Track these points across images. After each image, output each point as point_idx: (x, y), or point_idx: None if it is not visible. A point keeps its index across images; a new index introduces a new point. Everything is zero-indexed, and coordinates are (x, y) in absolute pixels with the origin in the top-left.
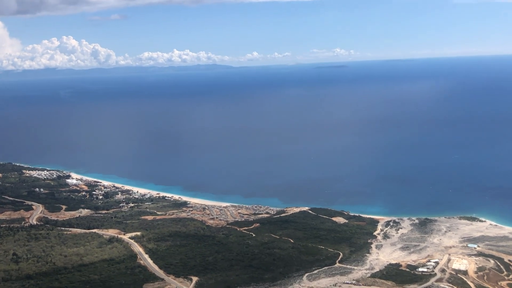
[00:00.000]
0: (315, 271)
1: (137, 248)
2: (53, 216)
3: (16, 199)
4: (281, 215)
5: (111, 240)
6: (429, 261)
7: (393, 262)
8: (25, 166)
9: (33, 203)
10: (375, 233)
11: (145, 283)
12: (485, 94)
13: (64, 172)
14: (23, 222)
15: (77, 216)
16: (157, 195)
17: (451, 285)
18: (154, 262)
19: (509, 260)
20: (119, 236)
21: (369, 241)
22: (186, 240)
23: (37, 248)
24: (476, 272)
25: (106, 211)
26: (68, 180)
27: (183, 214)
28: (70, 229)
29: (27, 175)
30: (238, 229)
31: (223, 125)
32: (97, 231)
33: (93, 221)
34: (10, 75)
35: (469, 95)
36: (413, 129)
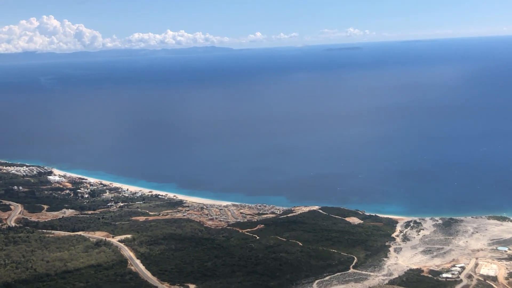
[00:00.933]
0: (327, 278)
1: (128, 252)
2: (33, 217)
3: None
4: (288, 215)
5: (99, 243)
6: (454, 266)
7: (414, 267)
8: (2, 161)
9: (11, 202)
10: (393, 235)
11: None
12: None
13: (45, 168)
14: (0, 224)
15: (61, 217)
16: (150, 194)
17: None
18: (146, 268)
19: None
20: (107, 239)
21: (386, 243)
22: (182, 244)
23: (16, 253)
24: (507, 278)
25: (92, 212)
26: (50, 177)
27: (179, 215)
28: (53, 231)
29: (4, 171)
30: (240, 231)
31: (223, 115)
32: (82, 234)
33: (78, 222)
34: None
35: (497, 80)
36: (435, 118)
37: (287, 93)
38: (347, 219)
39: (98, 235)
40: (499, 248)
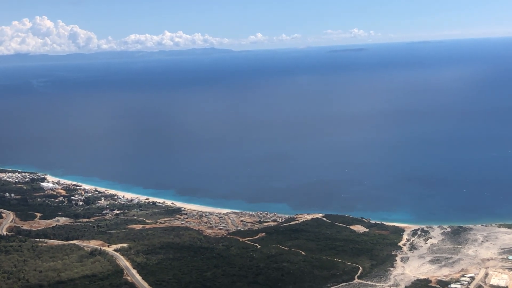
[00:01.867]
0: None
1: (124, 262)
2: (26, 226)
3: None
4: (291, 223)
5: (93, 253)
6: (463, 276)
7: (422, 277)
8: None
9: (2, 210)
10: (400, 244)
11: None
12: None
13: (38, 174)
14: None
15: (54, 225)
16: (146, 201)
17: None
18: (143, 278)
19: None
20: (103, 248)
21: (393, 253)
22: (180, 253)
23: (7, 263)
24: None
25: (87, 220)
26: (43, 184)
27: (177, 223)
28: (46, 240)
29: None
30: (241, 239)
31: (222, 119)
32: (77, 243)
33: (73, 231)
34: None
35: (507, 82)
36: (443, 122)
37: (289, 96)
38: (352, 227)
39: (93, 244)
40: (510, 257)
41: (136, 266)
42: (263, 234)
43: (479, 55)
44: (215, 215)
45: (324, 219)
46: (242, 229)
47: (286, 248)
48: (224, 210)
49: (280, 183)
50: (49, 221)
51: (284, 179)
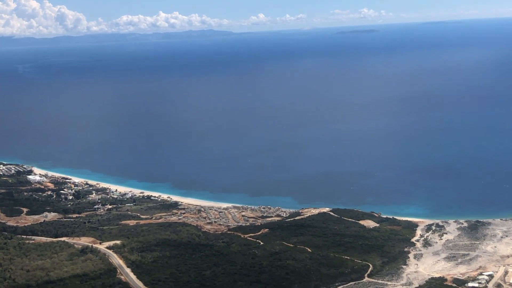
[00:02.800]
0: None
1: (117, 260)
2: (11, 222)
3: None
4: (296, 218)
5: (84, 250)
6: (481, 274)
7: (436, 275)
8: None
9: None
10: (413, 240)
11: None
12: None
13: (24, 166)
14: None
15: (42, 221)
16: (141, 195)
17: None
18: (138, 277)
19: None
20: (94, 245)
21: (406, 249)
22: (178, 250)
23: None
24: None
25: (77, 215)
26: (30, 177)
27: (174, 218)
28: (33, 237)
29: None
30: (242, 235)
31: (222, 107)
32: (66, 240)
33: (62, 227)
34: None
35: None
36: (460, 109)
37: (294, 81)
38: (362, 222)
39: (84, 241)
40: None
41: (130, 264)
42: (266, 230)
43: (500, 36)
44: (215, 210)
45: (331, 213)
46: (243, 224)
47: (291, 245)
48: (224, 205)
49: (285, 175)
50: (36, 216)
51: (289, 170)
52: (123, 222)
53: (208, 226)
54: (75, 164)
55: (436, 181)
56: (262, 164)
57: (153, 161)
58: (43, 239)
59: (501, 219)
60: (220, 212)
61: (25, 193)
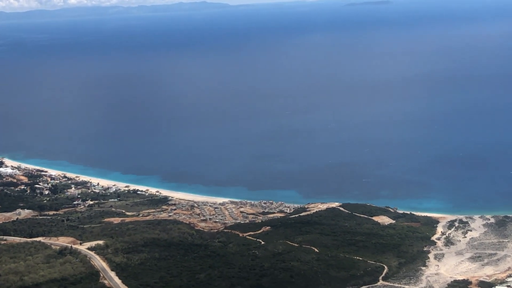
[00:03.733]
0: None
1: (100, 262)
2: None
3: None
4: (301, 214)
5: (63, 252)
6: (510, 275)
7: (460, 278)
8: None
9: None
10: (433, 238)
11: None
12: None
13: None
14: None
15: (14, 219)
16: (126, 189)
17: None
18: (123, 282)
19: None
20: (74, 246)
21: (425, 249)
22: (168, 251)
23: None
24: None
25: (54, 212)
26: (1, 169)
27: (163, 215)
28: (5, 237)
29: None
30: (241, 234)
31: (217, 89)
32: (43, 240)
33: (37, 225)
34: None
35: None
36: (487, 91)
37: (298, 60)
38: (375, 218)
39: (62, 241)
40: None
41: (114, 267)
42: (268, 227)
43: None
44: (210, 206)
45: (341, 209)
46: (242, 222)
47: (295, 245)
48: (221, 199)
49: (288, 166)
50: (8, 214)
51: (293, 160)
52: (106, 219)
53: (202, 224)
54: (52, 155)
55: (460, 172)
56: (262, 153)
57: (140, 150)
58: (16, 239)
59: None
60: (215, 208)
61: None
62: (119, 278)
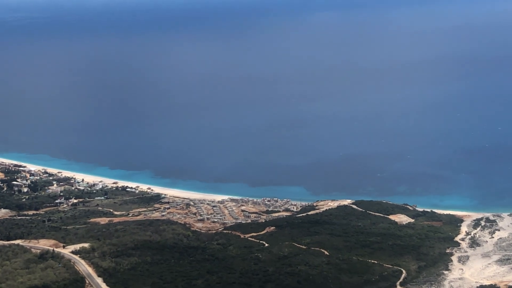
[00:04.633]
0: None
1: (85, 267)
2: None
3: None
4: (309, 212)
5: (44, 256)
6: None
7: (487, 283)
8: None
9: None
10: (457, 239)
11: None
12: None
13: None
14: None
15: None
16: (114, 185)
17: None
18: None
19: None
20: (56, 249)
21: (448, 251)
22: (161, 255)
23: None
24: None
25: (34, 212)
26: None
27: (156, 214)
28: None
29: None
30: (242, 235)
31: (214, 73)
32: (21, 243)
33: (15, 227)
34: None
35: None
36: None
37: (303, 41)
38: (392, 217)
39: (43, 244)
40: None
41: (102, 273)
42: (272, 228)
43: None
44: (207, 204)
45: (354, 207)
46: (243, 221)
47: (303, 247)
48: (219, 197)
49: (295, 160)
50: None
51: (300, 153)
52: (92, 220)
53: (199, 224)
54: (31, 148)
55: (486, 164)
56: (266, 145)
57: (130, 143)
58: None
59: None
60: (214, 206)
61: None
62: (107, 285)
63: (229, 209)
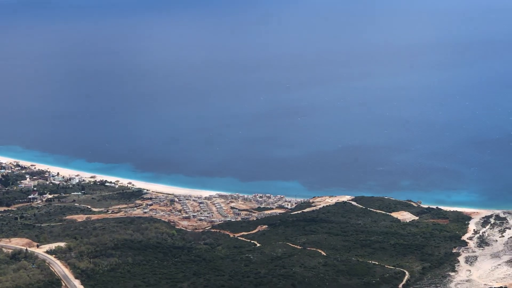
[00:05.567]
0: None
1: (61, 268)
2: None
3: None
4: (305, 210)
5: (16, 256)
6: None
7: (496, 285)
8: None
9: None
10: (464, 238)
11: None
12: None
13: None
14: None
15: None
16: (92, 180)
17: None
18: None
19: None
20: (30, 249)
21: (454, 250)
22: (144, 255)
23: None
24: None
25: (6, 208)
26: None
27: (137, 211)
28: None
29: None
30: (232, 235)
31: (202, 57)
32: None
33: None
34: None
35: None
36: None
37: (298, 23)
38: (394, 214)
39: (16, 243)
40: None
41: (79, 274)
42: (265, 226)
43: None
44: (193, 200)
45: (353, 203)
46: (233, 219)
47: (298, 247)
48: (207, 193)
49: (289, 151)
50: None
51: (294, 145)
52: (69, 217)
53: (185, 222)
54: (1, 139)
55: (496, 157)
56: (257, 136)
57: (109, 133)
58: None
59: None
60: (200, 203)
61: None
62: None
63: (217, 206)
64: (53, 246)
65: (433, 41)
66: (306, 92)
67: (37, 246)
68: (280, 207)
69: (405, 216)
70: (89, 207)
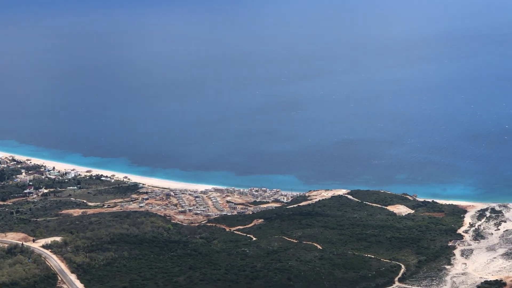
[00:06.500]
0: None
1: (57, 263)
2: None
3: None
4: (301, 204)
5: (12, 250)
6: None
7: (492, 278)
8: None
9: None
10: (460, 231)
11: None
12: None
13: None
14: None
15: None
16: (88, 174)
17: None
18: (86, 286)
19: None
20: (26, 244)
21: (450, 244)
22: (140, 249)
23: None
24: None
25: (1, 202)
26: None
27: (133, 206)
28: None
29: None
30: (228, 229)
31: (196, 51)
32: None
33: None
34: None
35: None
36: None
37: (295, 16)
38: (390, 208)
39: (12, 238)
40: None
41: (75, 269)
42: (261, 220)
43: None
44: (189, 194)
45: (349, 197)
46: (229, 213)
47: (294, 241)
48: (202, 187)
49: (284, 145)
50: None
51: (290, 138)
52: (65, 211)
53: (181, 217)
54: None
55: (492, 151)
56: (253, 130)
57: (104, 127)
58: None
59: None
60: (196, 197)
61: None
62: (81, 282)
63: (213, 200)
64: (49, 240)
65: (428, 35)
66: (301, 86)
67: (33, 241)
68: (276, 201)
69: (401, 209)
70: (85, 201)
